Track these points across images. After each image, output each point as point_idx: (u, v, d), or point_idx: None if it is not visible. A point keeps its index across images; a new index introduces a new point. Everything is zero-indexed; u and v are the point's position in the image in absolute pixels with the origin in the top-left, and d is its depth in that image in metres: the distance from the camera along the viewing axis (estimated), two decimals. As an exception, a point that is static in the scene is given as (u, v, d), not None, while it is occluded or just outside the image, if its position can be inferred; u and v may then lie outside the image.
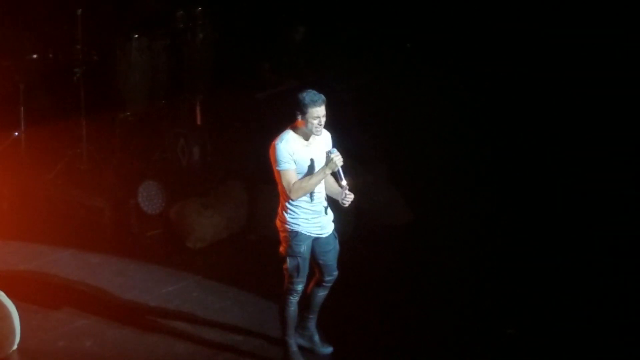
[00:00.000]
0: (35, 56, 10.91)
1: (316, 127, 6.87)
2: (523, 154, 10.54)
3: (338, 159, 6.87)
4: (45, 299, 8.32)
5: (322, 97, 6.86)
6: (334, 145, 7.07)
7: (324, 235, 7.13)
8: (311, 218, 7.03)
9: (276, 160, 6.87)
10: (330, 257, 7.22)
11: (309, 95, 6.83)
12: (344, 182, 6.95)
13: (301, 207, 6.98)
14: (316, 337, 7.47)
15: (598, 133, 10.11)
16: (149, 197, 10.14)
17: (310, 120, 6.84)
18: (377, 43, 11.23)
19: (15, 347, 7.42)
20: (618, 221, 9.30)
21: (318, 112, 6.84)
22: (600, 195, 9.63)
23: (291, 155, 6.85)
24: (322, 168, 6.90)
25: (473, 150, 10.64)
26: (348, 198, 7.01)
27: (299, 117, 6.87)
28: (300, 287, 7.13)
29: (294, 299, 7.16)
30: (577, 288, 8.36)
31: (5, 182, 10.34)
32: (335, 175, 6.98)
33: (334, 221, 7.21)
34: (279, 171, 6.88)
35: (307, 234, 7.03)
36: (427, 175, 10.51)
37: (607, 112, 10.14)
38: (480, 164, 10.48)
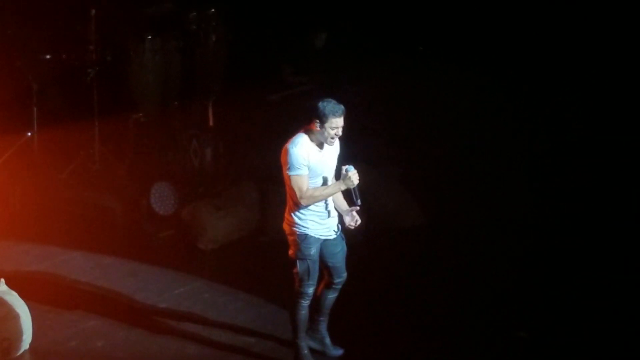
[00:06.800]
0: (48, 56, 10.92)
1: (332, 138, 6.85)
2: (535, 157, 10.52)
3: (355, 177, 6.85)
4: (56, 299, 8.34)
5: (342, 107, 6.83)
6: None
7: (331, 237, 7.13)
8: (319, 220, 7.02)
9: (288, 165, 6.83)
10: (339, 258, 7.21)
11: (329, 105, 6.79)
12: (359, 202, 6.93)
13: (310, 209, 6.96)
14: (327, 340, 7.46)
15: (609, 135, 10.10)
16: (161, 198, 10.15)
17: (328, 129, 6.81)
18: (390, 46, 11.23)
19: (27, 346, 7.42)
20: (635, 224, 9.27)
21: (337, 123, 6.81)
22: (616, 197, 9.60)
23: (304, 160, 6.82)
24: (338, 182, 6.90)
25: (485, 152, 10.62)
26: (357, 222, 7.08)
27: (317, 125, 6.83)
28: (310, 290, 7.12)
29: (305, 303, 7.15)
30: (590, 291, 8.33)
31: (17, 182, 10.37)
32: (350, 192, 6.94)
33: (339, 223, 7.19)
34: (290, 175, 6.86)
35: (317, 236, 7.02)
36: (439, 177, 10.50)
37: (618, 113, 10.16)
38: (492, 166, 10.46)
